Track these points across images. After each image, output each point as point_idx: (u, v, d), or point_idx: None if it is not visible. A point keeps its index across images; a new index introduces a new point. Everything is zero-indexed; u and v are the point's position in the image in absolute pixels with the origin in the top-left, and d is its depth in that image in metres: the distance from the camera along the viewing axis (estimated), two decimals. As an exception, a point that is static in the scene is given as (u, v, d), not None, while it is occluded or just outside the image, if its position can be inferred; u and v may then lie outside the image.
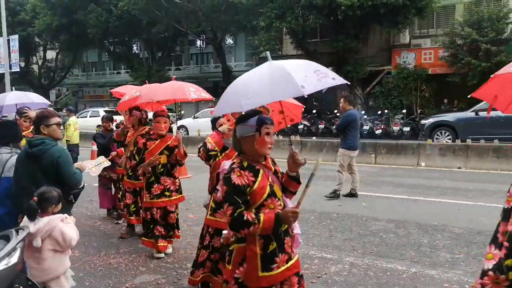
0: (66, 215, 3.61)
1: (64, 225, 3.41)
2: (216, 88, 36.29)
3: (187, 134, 21.55)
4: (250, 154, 2.75)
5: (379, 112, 22.30)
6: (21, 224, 3.46)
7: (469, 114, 15.76)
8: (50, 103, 7.16)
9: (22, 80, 38.40)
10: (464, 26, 20.93)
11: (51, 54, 40.85)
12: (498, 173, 11.15)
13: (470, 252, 5.61)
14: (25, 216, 3.45)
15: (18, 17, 34.29)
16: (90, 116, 26.12)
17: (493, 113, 14.32)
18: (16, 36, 22.85)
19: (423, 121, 17.69)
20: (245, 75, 2.84)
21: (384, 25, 22.59)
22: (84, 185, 4.00)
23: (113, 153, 6.84)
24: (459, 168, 11.83)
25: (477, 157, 11.88)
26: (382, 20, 21.85)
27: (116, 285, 4.82)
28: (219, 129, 4.26)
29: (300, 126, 22.73)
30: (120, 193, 6.91)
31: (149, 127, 6.46)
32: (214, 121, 4.45)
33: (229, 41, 35.02)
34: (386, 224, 6.93)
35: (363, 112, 22.41)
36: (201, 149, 4.23)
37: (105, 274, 5.15)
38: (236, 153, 2.85)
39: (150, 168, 5.34)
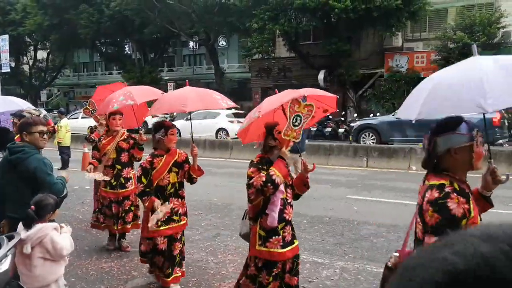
0: (62, 224, 3.60)
1: (56, 233, 3.39)
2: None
3: (180, 136, 21.49)
4: (459, 170, 2.26)
5: (371, 115, 22.41)
6: (17, 230, 3.44)
7: (390, 117, 16.73)
8: (37, 109, 6.82)
9: (13, 80, 38.16)
10: (456, 30, 21.10)
11: (41, 54, 40.62)
12: (488, 177, 11.23)
13: (460, 257, 5.66)
14: (20, 224, 3.44)
15: (8, 17, 34.07)
16: (81, 118, 25.95)
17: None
18: (6, 36, 22.72)
19: (352, 124, 18.71)
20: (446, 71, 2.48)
21: (377, 28, 22.71)
22: (66, 193, 3.96)
23: (90, 167, 6.01)
24: (450, 171, 11.92)
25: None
26: (375, 23, 21.97)
27: (108, 290, 4.81)
28: (283, 156, 3.65)
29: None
30: (98, 204, 6.37)
31: (128, 133, 6.12)
32: (271, 129, 3.75)
33: (222, 42, 35.02)
34: (377, 228, 6.98)
35: (355, 115, 22.49)
36: (268, 184, 3.47)
37: (97, 278, 5.14)
38: (430, 172, 2.35)
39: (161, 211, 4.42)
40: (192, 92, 4.83)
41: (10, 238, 3.40)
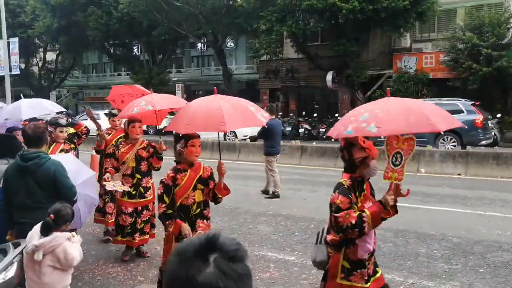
0: (73, 233, 3.62)
1: (69, 244, 3.40)
2: (217, 91, 36.28)
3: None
4: None
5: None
6: (27, 238, 3.45)
7: None
8: (66, 110, 6.70)
9: (22, 82, 38.45)
10: (465, 30, 20.93)
11: (51, 56, 40.89)
12: (498, 180, 11.13)
13: (467, 263, 5.61)
14: (33, 230, 3.44)
15: (18, 19, 34.32)
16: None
17: None
18: (16, 39, 22.87)
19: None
20: None
21: (385, 29, 22.60)
22: (77, 198, 4.00)
23: (107, 175, 5.67)
24: (459, 174, 11.82)
25: (477, 164, 11.87)
26: (383, 24, 21.85)
27: (114, 296, 4.82)
28: (385, 203, 3.14)
29: (301, 130, 22.80)
30: (112, 212, 6.33)
31: (147, 141, 5.90)
32: (349, 146, 3.18)
33: (230, 44, 35.03)
34: (385, 233, 6.92)
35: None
36: (355, 230, 3.00)
37: (103, 283, 5.15)
38: None
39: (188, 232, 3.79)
40: (226, 105, 3.96)
41: (16, 245, 3.42)
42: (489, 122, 15.62)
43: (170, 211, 3.82)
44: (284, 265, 5.65)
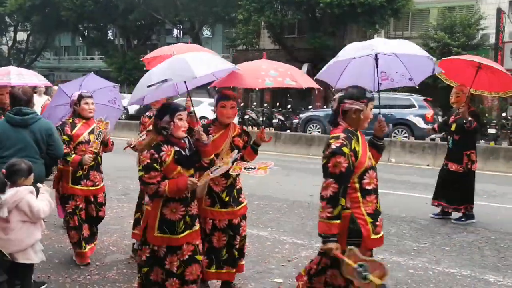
0: (41, 184, 3.59)
1: (32, 197, 3.39)
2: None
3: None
4: None
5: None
6: None
7: None
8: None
9: (-10, 61, 37.30)
10: (437, 30, 21.45)
11: (22, 36, 39.76)
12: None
13: (434, 242, 5.81)
14: None
15: (-12, -4, 33.25)
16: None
17: None
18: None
19: (300, 115, 19.79)
20: None
21: (361, 24, 22.93)
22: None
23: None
24: (428, 165, 12.16)
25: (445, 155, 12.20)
26: (359, 19, 22.18)
27: (87, 263, 4.79)
28: None
29: (275, 120, 22.94)
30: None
31: (239, 126, 4.17)
32: None
33: (207, 32, 34.83)
34: (356, 214, 7.08)
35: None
36: None
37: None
38: None
39: None
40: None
41: None
42: (439, 117, 16.02)
43: None
44: (257, 239, 5.72)
